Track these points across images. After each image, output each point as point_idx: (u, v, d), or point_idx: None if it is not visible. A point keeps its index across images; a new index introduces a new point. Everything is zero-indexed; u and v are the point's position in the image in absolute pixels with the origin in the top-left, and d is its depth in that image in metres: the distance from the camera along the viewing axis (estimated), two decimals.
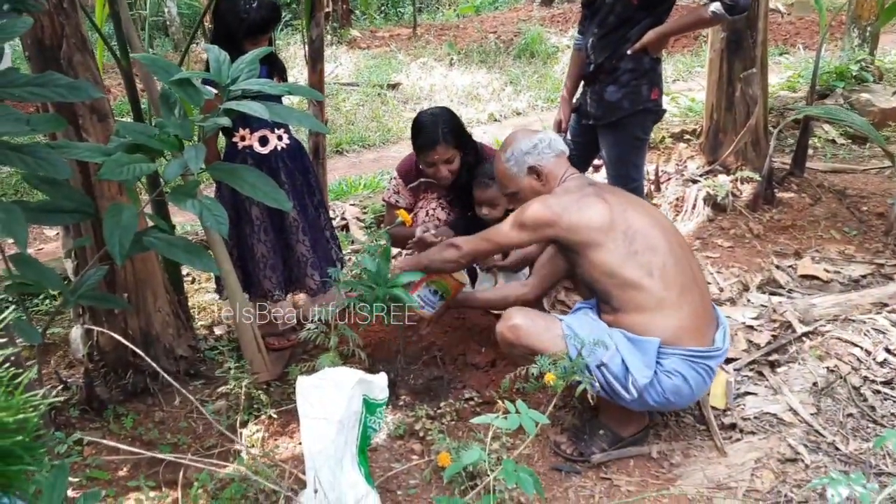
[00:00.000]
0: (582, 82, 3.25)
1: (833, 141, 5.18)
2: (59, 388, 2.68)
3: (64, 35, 2.29)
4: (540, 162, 2.36)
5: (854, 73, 5.92)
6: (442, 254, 2.48)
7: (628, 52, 2.95)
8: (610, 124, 3.07)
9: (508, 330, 2.23)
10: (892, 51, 7.29)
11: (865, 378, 2.64)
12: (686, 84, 7.62)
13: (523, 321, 2.21)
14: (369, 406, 1.95)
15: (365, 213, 4.36)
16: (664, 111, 3.19)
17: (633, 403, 2.18)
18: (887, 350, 2.76)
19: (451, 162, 2.91)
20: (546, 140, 2.38)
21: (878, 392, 2.58)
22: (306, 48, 3.20)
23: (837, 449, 2.34)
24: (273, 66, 2.73)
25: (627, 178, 3.16)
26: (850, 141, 5.20)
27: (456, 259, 2.44)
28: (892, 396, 2.55)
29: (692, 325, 2.17)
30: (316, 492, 1.73)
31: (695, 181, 4.21)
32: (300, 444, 2.34)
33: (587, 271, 2.24)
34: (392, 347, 2.90)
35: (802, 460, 2.30)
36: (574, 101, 3.31)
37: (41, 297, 3.38)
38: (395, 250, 3.84)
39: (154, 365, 1.89)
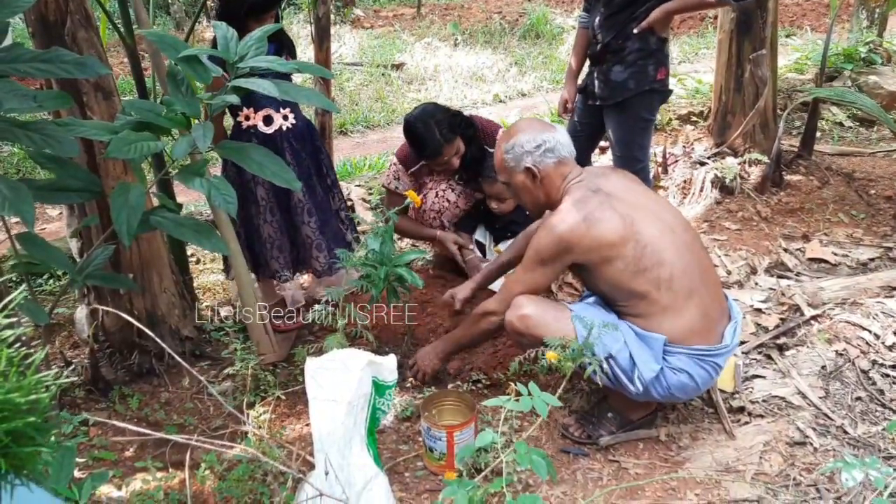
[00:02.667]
0: (588, 62, 3.21)
1: (841, 123, 5.14)
2: (65, 368, 2.68)
3: (68, 11, 2.26)
4: (538, 165, 2.22)
5: (862, 56, 5.85)
6: (479, 326, 2.40)
7: (635, 31, 2.91)
8: (616, 105, 3.05)
9: (518, 320, 2.20)
10: None
11: (874, 362, 2.63)
12: (692, 65, 7.56)
13: (533, 311, 2.18)
14: (378, 388, 1.94)
15: (370, 193, 4.33)
16: (671, 91, 3.17)
17: (638, 396, 2.18)
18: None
19: (458, 152, 2.92)
20: (551, 143, 2.22)
21: (887, 376, 2.57)
22: (312, 26, 3.16)
23: (846, 432, 2.34)
24: (282, 45, 2.69)
25: (633, 159, 3.13)
26: (857, 123, 5.15)
27: (497, 325, 2.34)
28: None
29: (699, 326, 2.15)
30: (327, 474, 1.72)
31: (702, 163, 4.18)
32: (307, 425, 2.34)
33: (595, 284, 2.22)
34: (399, 329, 2.89)
35: (811, 444, 2.29)
36: (580, 81, 3.28)
37: (45, 276, 3.36)
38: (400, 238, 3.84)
39: (162, 344, 1.87)
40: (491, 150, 2.96)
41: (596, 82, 3.09)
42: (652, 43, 2.95)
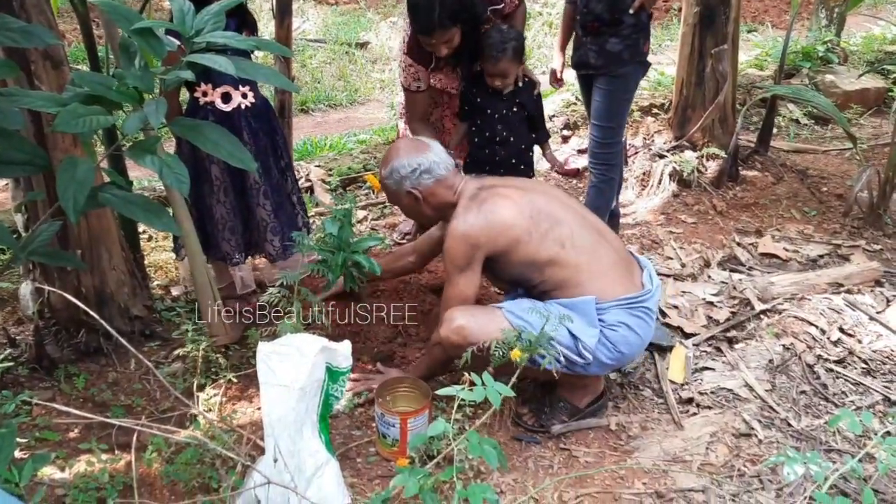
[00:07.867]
0: (579, 33, 3.21)
1: (797, 121, 5.24)
2: (7, 346, 2.59)
3: None
4: (417, 188, 2.32)
5: (820, 54, 5.97)
6: (435, 357, 2.36)
7: (630, 11, 2.99)
8: (610, 75, 3.12)
9: (454, 333, 2.19)
10: (857, 33, 7.36)
11: (819, 357, 2.70)
12: (655, 57, 7.56)
13: (467, 320, 2.18)
14: (332, 374, 1.92)
15: (330, 174, 4.26)
16: (650, 63, 3.24)
17: (591, 368, 2.21)
18: (841, 330, 2.83)
19: (450, 42, 2.82)
20: (426, 164, 2.31)
21: (831, 370, 2.65)
22: (273, 1, 3.09)
23: (790, 425, 2.40)
24: (242, 20, 2.62)
25: (611, 131, 3.21)
26: (813, 121, 5.26)
27: (453, 351, 2.23)
28: (843, 375, 2.62)
29: (615, 276, 2.25)
30: (276, 461, 1.70)
31: (662, 156, 4.22)
32: (259, 409, 2.31)
33: (507, 272, 2.30)
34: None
35: (756, 435, 2.35)
36: (569, 59, 3.32)
37: None
38: (361, 213, 3.81)
39: (107, 326, 1.82)
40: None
41: (589, 53, 3.14)
42: (643, 17, 3.06)
